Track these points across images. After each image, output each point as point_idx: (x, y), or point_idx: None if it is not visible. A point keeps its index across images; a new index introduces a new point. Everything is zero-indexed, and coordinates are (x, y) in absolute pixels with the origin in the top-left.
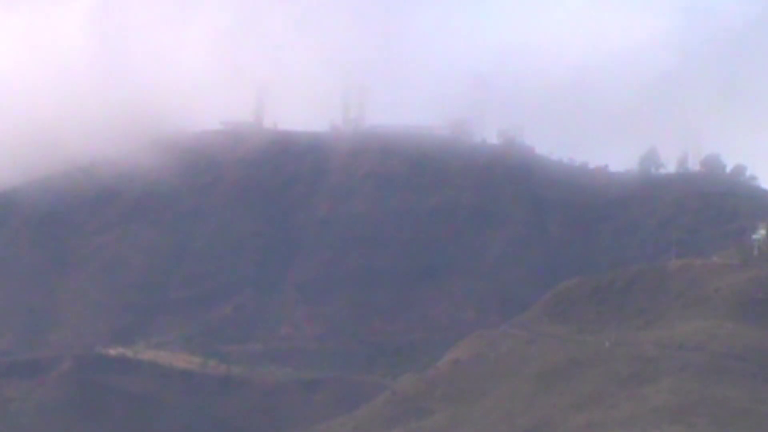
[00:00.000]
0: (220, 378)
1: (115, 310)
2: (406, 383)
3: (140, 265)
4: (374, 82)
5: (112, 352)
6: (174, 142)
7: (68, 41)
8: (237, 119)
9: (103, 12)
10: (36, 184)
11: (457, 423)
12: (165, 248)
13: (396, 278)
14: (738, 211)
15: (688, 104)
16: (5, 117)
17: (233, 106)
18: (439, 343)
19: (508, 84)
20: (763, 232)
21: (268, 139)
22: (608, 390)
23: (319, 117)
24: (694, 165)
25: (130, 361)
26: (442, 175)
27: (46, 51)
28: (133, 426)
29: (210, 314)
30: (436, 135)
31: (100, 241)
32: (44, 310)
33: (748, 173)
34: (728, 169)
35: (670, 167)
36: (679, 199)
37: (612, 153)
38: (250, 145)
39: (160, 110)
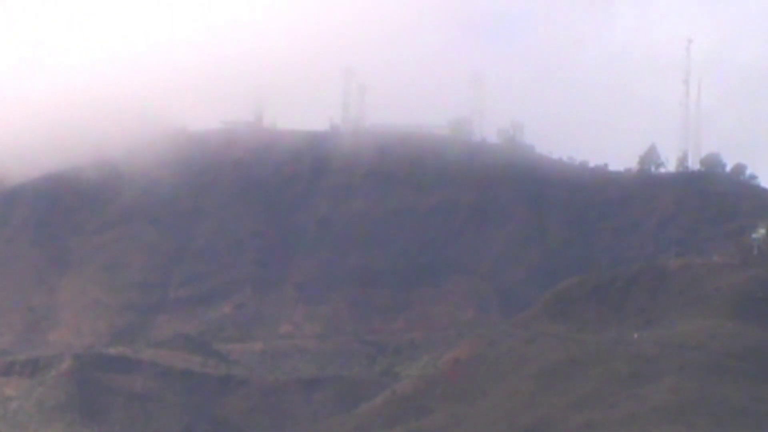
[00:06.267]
0: (220, 378)
1: (115, 310)
2: (406, 383)
3: (140, 265)
4: (374, 82)
5: (112, 351)
6: (174, 142)
7: (67, 40)
8: (237, 119)
9: (103, 11)
10: (36, 183)
11: (457, 422)
12: (165, 248)
13: (396, 278)
14: (738, 210)
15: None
16: (5, 117)
17: (233, 106)
18: (439, 343)
19: (508, 84)
20: (763, 231)
21: (268, 139)
22: (608, 390)
23: (319, 117)
24: (694, 165)
25: (130, 360)
26: (441, 174)
27: (45, 50)
28: (133, 426)
29: (210, 314)
30: (436, 135)
31: (100, 241)
32: (44, 310)
33: (748, 173)
34: (728, 169)
35: (670, 167)
36: (679, 199)
37: (612, 152)
38: (250, 145)
39: (160, 110)
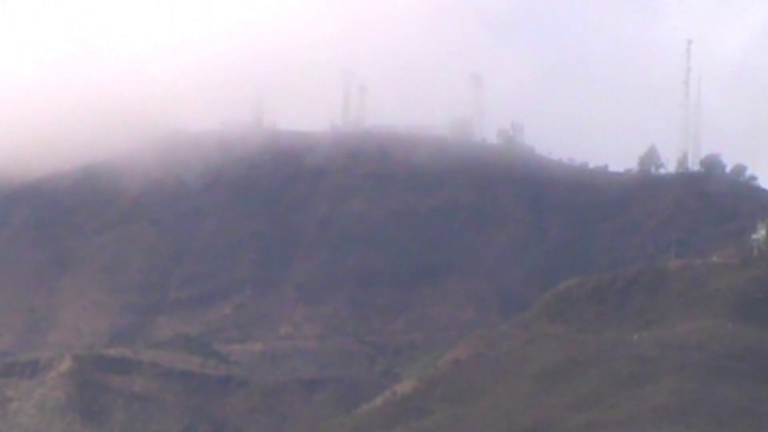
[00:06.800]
0: (220, 378)
1: (115, 310)
2: (406, 384)
3: (140, 265)
4: (374, 83)
5: (112, 352)
6: (174, 143)
7: (66, 40)
8: (237, 119)
9: (103, 11)
10: (36, 184)
11: (457, 423)
12: (165, 248)
13: (396, 278)
14: (738, 211)
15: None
16: (4, 118)
17: (233, 106)
18: (439, 343)
19: (508, 84)
20: (763, 232)
21: (268, 139)
22: (608, 390)
23: (319, 117)
24: (694, 165)
25: (131, 361)
26: (441, 175)
27: (43, 51)
28: (133, 427)
29: (210, 314)
30: (436, 135)
31: (100, 241)
32: (44, 310)
33: (748, 174)
34: (728, 170)
35: (670, 167)
36: (679, 199)
37: (612, 153)
38: (250, 145)
39: (160, 110)
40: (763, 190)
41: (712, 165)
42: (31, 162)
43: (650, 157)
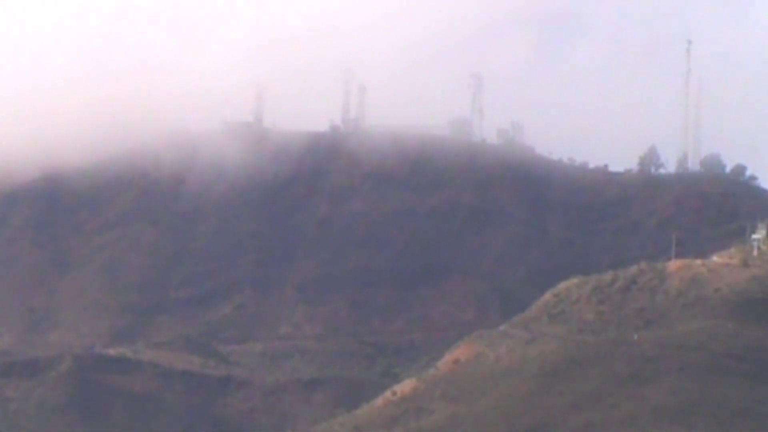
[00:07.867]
0: (220, 378)
1: (115, 310)
2: (406, 383)
3: (140, 265)
4: (374, 83)
5: (112, 352)
6: (174, 143)
7: (67, 39)
8: (237, 119)
9: (103, 11)
10: (36, 183)
11: (457, 423)
12: (165, 248)
13: (396, 278)
14: (738, 211)
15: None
16: (5, 118)
17: (233, 106)
18: (439, 343)
19: (508, 84)
20: (763, 232)
21: (268, 139)
22: (608, 390)
23: (319, 117)
24: (694, 165)
25: (130, 361)
26: (442, 175)
27: (44, 50)
28: (133, 426)
29: (210, 314)
30: (436, 135)
31: (100, 241)
32: (44, 310)
33: (748, 173)
34: (728, 169)
35: (670, 167)
36: (679, 199)
37: (612, 153)
38: (250, 145)
39: (159, 110)
40: (763, 190)
41: (712, 165)
42: (31, 162)
43: (650, 157)
